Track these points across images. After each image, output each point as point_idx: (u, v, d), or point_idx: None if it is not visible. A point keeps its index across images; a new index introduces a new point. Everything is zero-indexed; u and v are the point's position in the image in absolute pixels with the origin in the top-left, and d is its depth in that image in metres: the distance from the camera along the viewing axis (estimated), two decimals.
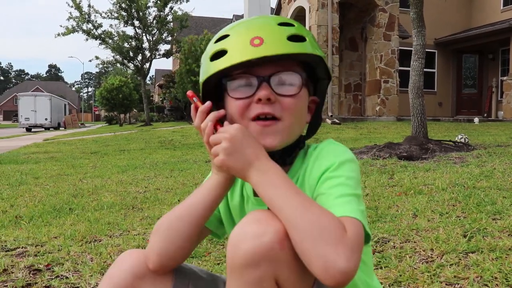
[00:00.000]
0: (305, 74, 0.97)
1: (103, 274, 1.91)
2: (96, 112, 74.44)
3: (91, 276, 1.90)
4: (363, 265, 0.99)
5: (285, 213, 0.82)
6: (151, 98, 36.96)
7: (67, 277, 1.90)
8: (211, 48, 0.97)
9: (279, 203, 0.84)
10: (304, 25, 14.79)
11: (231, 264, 0.84)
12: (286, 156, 0.99)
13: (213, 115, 0.95)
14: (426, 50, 6.43)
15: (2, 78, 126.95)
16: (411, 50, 6.42)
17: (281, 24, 0.95)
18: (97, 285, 1.80)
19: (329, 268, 0.75)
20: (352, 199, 0.86)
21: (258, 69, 0.92)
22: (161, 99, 33.92)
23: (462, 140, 6.50)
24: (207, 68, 0.96)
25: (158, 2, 23.26)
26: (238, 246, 0.82)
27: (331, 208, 0.84)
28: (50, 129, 32.16)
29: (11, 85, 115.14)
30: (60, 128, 33.94)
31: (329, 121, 13.08)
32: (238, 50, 0.91)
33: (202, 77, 0.98)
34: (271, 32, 0.92)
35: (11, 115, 70.68)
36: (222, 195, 1.00)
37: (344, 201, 0.85)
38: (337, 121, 13.00)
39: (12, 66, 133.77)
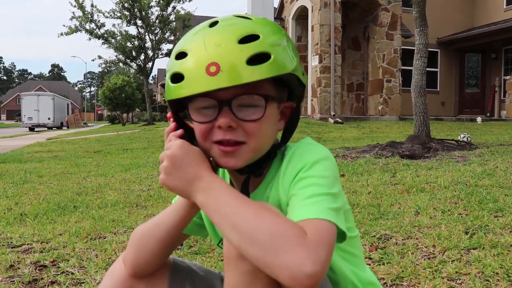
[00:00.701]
0: (273, 89, 0.90)
1: (108, 270, 1.93)
2: (99, 112, 74.63)
3: (96, 272, 1.92)
4: (353, 258, 1.01)
5: (238, 230, 0.78)
6: (153, 97, 37.03)
7: (72, 273, 1.92)
8: (171, 66, 0.91)
9: (230, 222, 0.79)
10: (307, 25, 14.88)
11: (227, 256, 0.85)
12: (256, 169, 0.95)
13: (171, 134, 0.93)
14: (429, 49, 6.44)
15: (5, 77, 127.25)
16: (414, 50, 6.43)
17: (242, 40, 0.85)
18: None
19: (295, 276, 0.73)
20: (322, 199, 0.82)
21: (219, 92, 0.85)
22: (163, 98, 33.97)
23: (465, 139, 6.51)
24: (168, 90, 0.91)
25: (161, 1, 23.30)
26: None
27: (295, 211, 0.82)
28: (53, 128, 32.24)
29: (14, 85, 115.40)
30: (63, 128, 34.03)
31: (331, 120, 13.09)
32: (194, 79, 0.84)
33: (165, 96, 0.94)
34: (229, 55, 0.83)
35: (14, 114, 70.89)
36: (189, 217, 0.98)
37: (310, 202, 0.82)
38: (339, 120, 13.01)
39: (15, 65, 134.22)
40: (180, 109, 0.96)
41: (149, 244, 1.00)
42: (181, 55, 0.88)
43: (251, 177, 0.97)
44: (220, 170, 1.04)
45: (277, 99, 0.91)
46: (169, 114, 0.96)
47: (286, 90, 0.95)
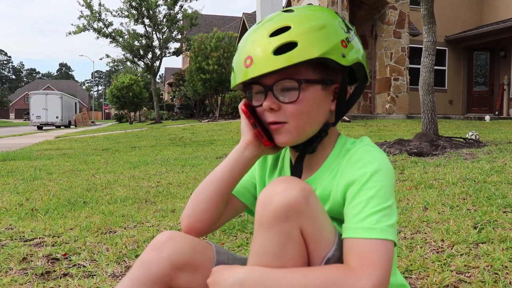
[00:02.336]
0: (313, 73, 0.98)
1: (119, 263, 1.96)
2: (106, 110, 74.94)
3: (108, 265, 1.95)
4: None
5: None
6: (161, 96, 37.13)
7: (84, 266, 1.95)
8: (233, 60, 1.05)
9: None
10: None
11: (261, 219, 0.90)
12: (308, 146, 1.04)
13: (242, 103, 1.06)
14: (437, 47, 6.41)
15: (14, 77, 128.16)
16: (422, 48, 6.40)
17: (274, 33, 0.95)
18: (113, 274, 1.85)
19: None
20: (381, 216, 0.89)
21: (264, 80, 0.97)
22: (170, 97, 34.09)
23: (473, 137, 6.47)
24: (231, 78, 1.06)
25: (168, 0, 23.35)
26: (268, 202, 0.90)
27: (356, 226, 0.89)
28: (61, 127, 32.48)
29: (23, 84, 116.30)
30: (71, 126, 34.24)
31: (340, 118, 13.07)
32: (237, 71, 1.00)
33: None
34: (260, 48, 0.95)
35: (23, 113, 71.44)
36: (246, 169, 1.09)
37: (372, 221, 0.88)
38: (347, 118, 12.99)
39: (23, 65, 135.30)
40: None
41: (207, 191, 1.09)
42: (236, 52, 1.03)
43: (305, 155, 1.07)
44: (281, 155, 1.18)
45: (320, 82, 0.99)
46: (241, 106, 1.06)
47: (340, 72, 1.02)
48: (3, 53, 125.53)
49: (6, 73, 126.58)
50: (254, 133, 1.05)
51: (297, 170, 1.07)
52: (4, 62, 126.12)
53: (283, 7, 18.85)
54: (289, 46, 0.93)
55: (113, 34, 23.57)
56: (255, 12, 20.29)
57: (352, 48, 1.00)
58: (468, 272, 1.66)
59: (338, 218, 1.00)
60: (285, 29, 0.95)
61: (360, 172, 0.94)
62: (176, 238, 1.04)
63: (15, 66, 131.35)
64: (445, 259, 1.78)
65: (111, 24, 23.67)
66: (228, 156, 1.11)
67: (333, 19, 1.00)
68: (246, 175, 1.16)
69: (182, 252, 1.02)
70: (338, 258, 0.91)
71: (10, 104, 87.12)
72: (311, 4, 12.19)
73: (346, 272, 0.84)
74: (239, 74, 0.99)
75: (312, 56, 0.93)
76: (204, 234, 1.12)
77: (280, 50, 0.93)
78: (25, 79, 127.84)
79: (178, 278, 1.01)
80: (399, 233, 2.16)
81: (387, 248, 0.86)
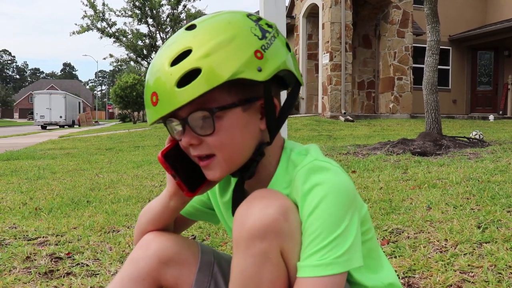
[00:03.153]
0: (229, 95, 0.86)
1: (122, 262, 1.96)
2: (110, 110, 75.11)
3: (111, 264, 1.95)
4: (370, 261, 0.97)
5: None
6: None
7: (87, 265, 1.95)
8: None
9: None
10: (317, 23, 14.85)
11: (238, 238, 0.86)
12: (245, 172, 0.94)
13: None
14: (441, 47, 6.39)
15: (18, 76, 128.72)
16: (425, 47, 6.39)
17: (175, 60, 0.83)
18: (116, 273, 1.85)
19: None
20: (326, 251, 0.82)
21: (179, 112, 0.86)
22: None
23: (477, 137, 6.46)
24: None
25: (172, 0, 23.40)
26: (244, 220, 0.85)
27: (303, 265, 0.83)
28: (65, 126, 32.58)
29: (27, 84, 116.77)
30: (75, 126, 34.36)
31: (342, 118, 13.06)
32: (148, 109, 0.88)
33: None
34: (162, 82, 0.84)
35: (27, 113, 71.77)
36: (175, 215, 1.08)
37: (315, 260, 0.82)
38: (350, 118, 12.98)
39: (27, 64, 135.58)
40: None
41: (143, 223, 1.10)
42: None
43: (244, 178, 0.96)
44: None
45: (238, 104, 0.87)
46: (158, 154, 0.96)
47: (262, 87, 0.89)
48: (7, 53, 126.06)
49: (10, 72, 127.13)
50: (175, 184, 0.98)
51: (236, 198, 0.96)
52: (8, 62, 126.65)
53: (287, 7, 18.74)
54: (193, 74, 0.81)
55: (116, 33, 23.66)
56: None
57: (270, 57, 0.86)
58: (472, 272, 1.66)
59: None
60: (186, 53, 0.83)
61: (304, 202, 0.85)
62: (161, 236, 1.07)
63: (19, 66, 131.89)
64: (449, 259, 1.78)
65: (114, 23, 23.77)
66: (155, 201, 1.07)
67: (243, 27, 0.86)
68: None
69: (167, 247, 1.03)
70: None
71: (14, 104, 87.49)
72: (314, 3, 11.95)
73: None
74: (150, 113, 0.87)
75: (220, 81, 0.81)
76: None
77: (184, 80, 0.81)
78: (29, 79, 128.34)
79: (166, 273, 1.03)
80: (402, 232, 2.16)
81: (334, 283, 0.81)
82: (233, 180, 1.02)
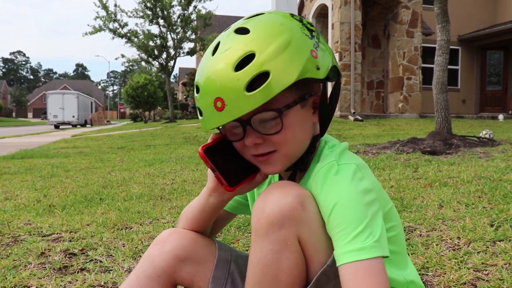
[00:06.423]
0: (291, 93, 0.88)
1: (135, 258, 1.98)
2: (121, 110, 75.60)
3: (124, 260, 1.97)
4: (395, 256, 0.98)
5: None
6: (175, 96, 37.29)
7: (100, 261, 1.97)
8: (196, 98, 0.94)
9: None
10: (327, 23, 14.80)
11: (257, 226, 0.87)
12: (299, 164, 0.98)
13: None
14: (450, 47, 6.33)
15: (31, 77, 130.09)
16: (434, 47, 6.34)
17: (238, 65, 0.84)
18: (129, 269, 1.87)
19: None
20: (364, 237, 0.82)
21: None
22: (184, 96, 34.23)
23: (487, 136, 6.40)
24: (201, 120, 0.95)
25: (182, 1, 23.46)
26: (263, 208, 0.87)
27: (341, 250, 0.83)
28: (77, 126, 32.85)
29: (40, 84, 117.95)
30: (87, 125, 34.63)
31: (351, 118, 13.02)
32: (208, 115, 0.89)
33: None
34: (228, 88, 0.84)
35: (40, 112, 72.50)
36: (216, 213, 1.08)
37: (355, 247, 0.81)
38: (359, 118, 12.93)
39: (41, 65, 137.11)
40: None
41: (183, 222, 1.10)
42: (197, 89, 0.92)
43: (297, 172, 1.00)
44: None
45: (299, 101, 0.90)
46: (199, 149, 0.97)
47: (313, 85, 0.94)
48: (22, 54, 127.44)
49: (24, 73, 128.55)
50: (215, 180, 0.99)
51: None
52: (23, 62, 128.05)
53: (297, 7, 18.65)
54: (260, 78, 0.83)
55: (128, 34, 23.76)
56: None
57: (321, 54, 0.90)
58: (486, 270, 1.65)
59: None
60: (249, 58, 0.84)
61: (330, 201, 0.86)
62: (178, 233, 1.07)
63: (33, 66, 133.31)
64: (462, 257, 1.77)
65: (126, 24, 23.86)
66: (195, 199, 1.08)
67: (294, 28, 0.89)
68: None
69: (184, 245, 1.03)
70: None
71: (28, 104, 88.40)
72: (324, 4, 11.95)
73: None
74: (212, 119, 0.88)
75: (289, 83, 0.84)
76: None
77: (252, 84, 0.83)
78: (42, 79, 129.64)
79: (181, 270, 1.03)
80: (414, 230, 2.15)
81: (382, 265, 0.82)
82: (267, 178, 1.06)
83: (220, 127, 0.95)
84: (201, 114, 0.92)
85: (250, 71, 0.83)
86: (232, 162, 0.97)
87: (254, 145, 0.91)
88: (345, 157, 0.94)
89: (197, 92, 0.91)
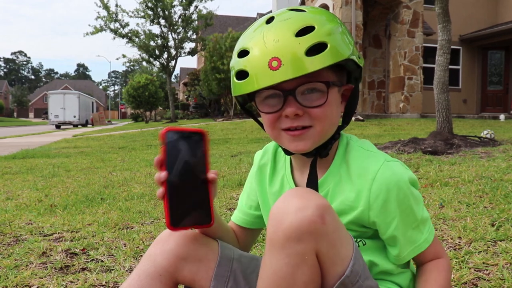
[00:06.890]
0: (332, 74, 0.95)
1: (136, 258, 1.99)
2: (123, 110, 75.62)
3: (125, 260, 1.97)
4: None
5: None
6: (176, 95, 37.34)
7: (102, 261, 1.98)
8: (235, 64, 0.97)
9: None
10: None
11: (273, 237, 0.85)
12: (322, 149, 1.00)
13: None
14: (451, 46, 6.32)
15: (33, 77, 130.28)
16: (435, 47, 6.32)
17: (299, 33, 0.88)
18: (131, 269, 1.87)
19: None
20: (425, 226, 1.01)
21: (282, 84, 0.89)
22: (185, 96, 34.23)
23: (488, 136, 6.39)
24: (234, 87, 0.97)
25: (183, 1, 23.49)
26: (281, 220, 0.84)
27: (412, 239, 0.99)
28: (78, 126, 32.88)
29: (42, 84, 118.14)
30: (88, 125, 34.66)
31: (352, 118, 13.01)
32: (258, 75, 0.89)
33: (233, 93, 1.00)
34: (288, 49, 0.87)
35: (41, 112, 72.61)
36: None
37: (423, 234, 1.00)
38: (360, 118, 12.92)
39: (42, 65, 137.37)
40: (246, 102, 1.05)
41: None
42: (244, 53, 0.94)
43: (317, 159, 1.02)
44: (281, 160, 1.13)
45: (338, 83, 0.96)
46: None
47: (345, 74, 1.00)
48: (23, 54, 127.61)
49: (25, 73, 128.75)
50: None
51: (313, 177, 1.02)
52: (24, 62, 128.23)
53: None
54: (318, 47, 0.88)
55: (129, 34, 23.80)
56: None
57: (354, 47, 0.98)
58: (487, 270, 1.65)
59: (360, 224, 1.00)
60: (309, 29, 0.89)
61: (383, 189, 0.96)
62: (178, 232, 1.05)
63: (34, 66, 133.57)
64: (463, 256, 1.77)
65: (127, 24, 23.91)
66: None
67: (338, 20, 0.97)
68: (245, 195, 1.22)
69: (185, 244, 1.03)
70: (357, 272, 0.88)
71: (29, 104, 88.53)
72: (325, 3, 12.01)
73: (440, 263, 1.02)
74: (263, 78, 0.88)
75: (343, 57, 0.90)
76: None
77: (311, 51, 0.87)
78: (43, 79, 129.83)
79: (183, 269, 1.02)
80: None
81: (437, 240, 1.03)
82: (280, 170, 1.12)
83: (257, 99, 0.97)
84: (242, 77, 0.93)
85: (311, 38, 0.88)
86: (190, 200, 0.91)
87: (292, 117, 0.92)
88: (382, 153, 1.05)
89: (242, 56, 0.94)
